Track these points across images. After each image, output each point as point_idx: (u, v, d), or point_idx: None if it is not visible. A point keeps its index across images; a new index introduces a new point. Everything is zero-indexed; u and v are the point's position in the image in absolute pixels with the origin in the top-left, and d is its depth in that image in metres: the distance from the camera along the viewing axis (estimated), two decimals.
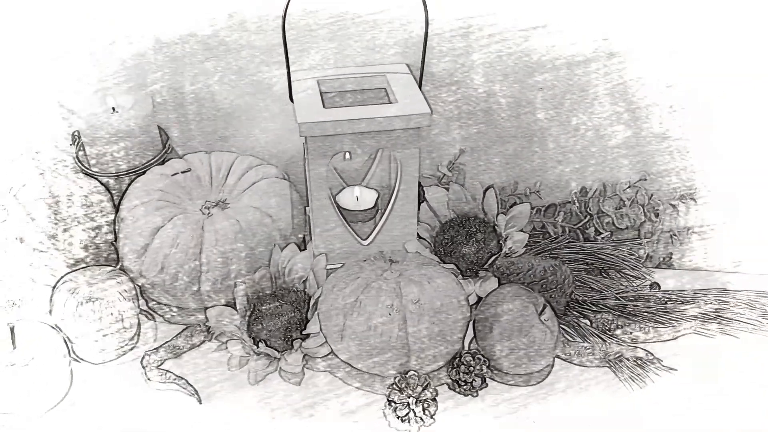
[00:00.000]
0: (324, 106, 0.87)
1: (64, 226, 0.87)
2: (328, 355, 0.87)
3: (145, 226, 0.90)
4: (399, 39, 0.95)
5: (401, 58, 0.91)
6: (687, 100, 0.95)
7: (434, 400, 0.82)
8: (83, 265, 0.92)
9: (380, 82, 0.94)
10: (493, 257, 0.93)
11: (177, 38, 0.94)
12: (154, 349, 0.89)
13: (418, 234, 0.96)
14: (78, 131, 1.05)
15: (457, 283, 0.86)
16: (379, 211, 1.00)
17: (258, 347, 0.86)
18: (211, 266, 0.89)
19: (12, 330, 0.81)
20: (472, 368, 0.84)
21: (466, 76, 0.96)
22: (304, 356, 0.85)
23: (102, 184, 0.98)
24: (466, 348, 0.88)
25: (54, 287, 0.87)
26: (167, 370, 0.86)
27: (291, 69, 0.93)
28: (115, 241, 0.96)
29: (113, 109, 1.00)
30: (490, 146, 1.01)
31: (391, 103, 0.89)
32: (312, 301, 0.87)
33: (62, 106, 0.96)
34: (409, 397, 0.80)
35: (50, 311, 0.86)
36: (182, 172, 0.97)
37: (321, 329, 0.86)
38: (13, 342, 0.81)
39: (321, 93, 0.90)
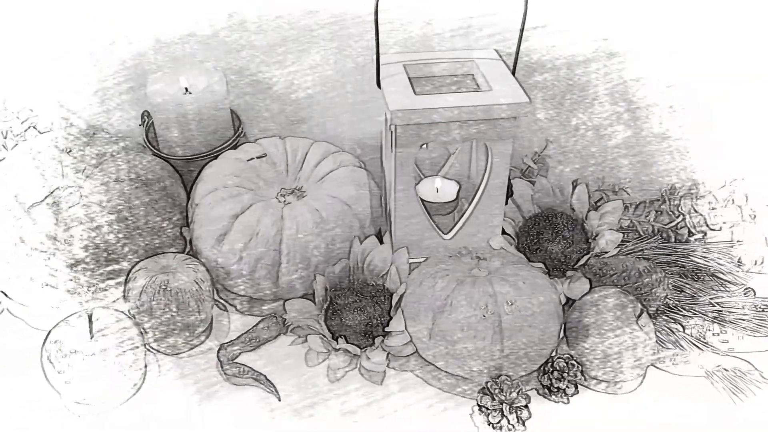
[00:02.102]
0: (415, 93, 0.82)
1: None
2: (412, 354, 0.83)
3: (223, 213, 0.86)
4: (399, 39, 0.94)
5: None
6: (687, 100, 0.94)
7: (526, 406, 0.78)
8: (156, 252, 0.89)
9: (468, 68, 0.89)
10: (584, 257, 0.89)
11: (177, 38, 0.94)
12: (230, 341, 0.85)
13: (502, 229, 0.91)
14: (147, 111, 1.02)
15: (551, 284, 0.82)
16: (460, 204, 0.96)
17: (338, 343, 0.83)
18: (290, 257, 0.86)
19: (90, 318, 0.78)
20: (565, 374, 0.80)
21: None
22: (387, 355, 0.82)
23: (172, 167, 0.95)
24: (558, 352, 0.84)
25: (128, 274, 0.84)
26: (243, 365, 0.83)
27: (292, 68, 0.94)
28: (187, 226, 0.93)
29: (186, 89, 0.96)
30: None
31: (482, 90, 0.84)
32: (395, 297, 0.83)
33: (62, 106, 0.96)
34: (501, 403, 0.77)
35: (125, 298, 0.83)
36: (258, 158, 0.93)
37: (406, 327, 0.82)
38: (91, 331, 0.77)
39: (410, 79, 0.85)
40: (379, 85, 0.85)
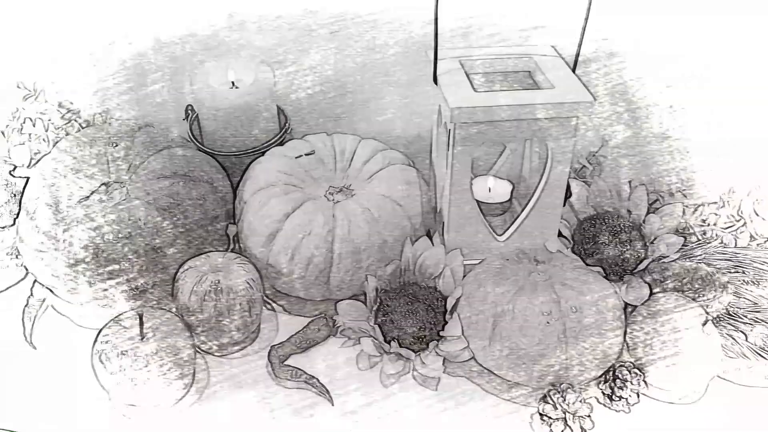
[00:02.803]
0: (474, 90, 0.80)
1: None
2: (468, 360, 0.80)
3: (274, 212, 0.84)
4: (399, 39, 0.93)
5: (401, 58, 0.89)
6: (687, 100, 0.94)
7: (589, 416, 0.75)
8: (202, 251, 0.87)
9: (525, 64, 0.87)
10: (645, 261, 0.86)
11: (177, 38, 0.93)
12: (280, 343, 0.83)
13: (558, 231, 0.89)
14: (191, 105, 1.00)
15: (615, 290, 0.79)
16: (513, 205, 0.93)
17: (390, 346, 0.81)
18: (342, 257, 0.83)
19: (141, 318, 0.76)
20: (627, 383, 0.77)
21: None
22: (444, 360, 0.79)
23: (218, 162, 0.93)
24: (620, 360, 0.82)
25: (176, 273, 0.82)
26: (296, 368, 0.81)
27: (291, 68, 0.94)
28: (233, 224, 0.91)
29: (233, 83, 0.94)
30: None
31: (543, 88, 0.81)
32: (451, 301, 0.81)
33: (62, 107, 0.96)
34: (564, 413, 0.74)
35: (174, 297, 0.81)
36: (306, 155, 0.91)
37: (463, 332, 0.79)
38: (141, 331, 0.76)
39: (467, 75, 0.83)
40: (435, 81, 0.82)
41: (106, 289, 0.83)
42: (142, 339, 0.76)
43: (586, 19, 0.80)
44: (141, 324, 0.76)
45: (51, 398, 0.79)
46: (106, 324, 0.77)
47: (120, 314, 0.77)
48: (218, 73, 0.94)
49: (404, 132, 1.01)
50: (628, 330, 0.80)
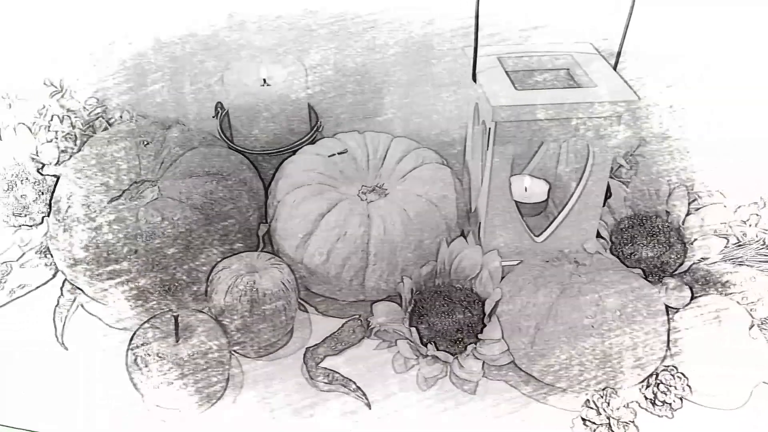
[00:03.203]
0: (516, 88, 0.78)
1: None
2: (508, 364, 0.79)
3: (309, 212, 0.83)
4: (399, 39, 0.93)
5: (401, 58, 0.89)
6: (687, 100, 0.94)
7: (633, 422, 0.74)
8: (236, 251, 0.86)
9: (563, 62, 0.85)
10: (684, 262, 0.84)
11: (177, 38, 0.93)
12: (315, 345, 0.82)
13: (597, 232, 0.87)
14: (220, 102, 0.99)
15: (658, 292, 0.78)
16: (549, 205, 0.92)
17: (427, 348, 0.79)
18: (378, 258, 0.82)
19: (176, 320, 0.75)
20: (671, 387, 0.76)
21: (467, 75, 0.93)
22: (483, 364, 0.78)
23: (250, 161, 0.92)
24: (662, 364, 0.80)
25: (210, 273, 0.81)
26: (332, 370, 0.79)
27: (292, 68, 0.92)
28: (264, 223, 0.90)
29: (264, 80, 0.93)
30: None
31: (585, 86, 0.80)
32: (490, 303, 0.80)
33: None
34: (608, 418, 0.73)
35: (208, 298, 0.80)
36: (339, 153, 0.90)
37: (503, 335, 0.78)
38: (177, 334, 0.74)
39: (507, 73, 0.81)
40: (474, 79, 0.81)
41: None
42: (177, 341, 0.74)
43: (630, 15, 0.78)
44: (176, 326, 0.75)
45: (83, 399, 0.78)
46: (141, 325, 0.76)
47: (155, 315, 0.76)
48: (250, 70, 0.93)
49: (404, 131, 1.01)
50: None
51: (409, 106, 0.93)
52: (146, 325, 0.75)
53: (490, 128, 0.78)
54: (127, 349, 0.75)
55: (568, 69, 0.85)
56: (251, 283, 0.78)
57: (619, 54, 0.81)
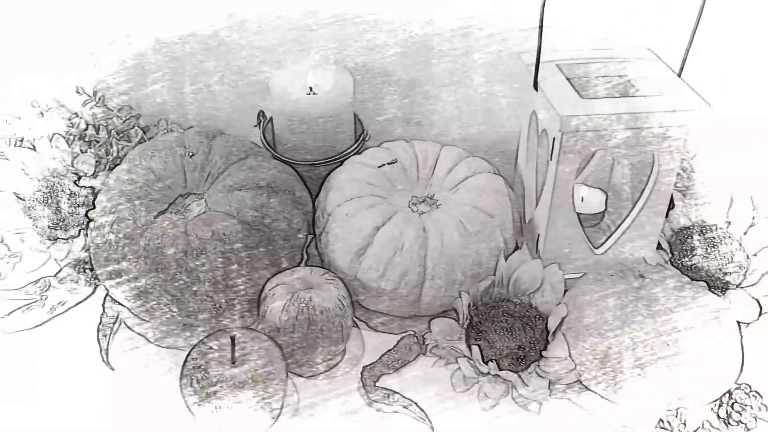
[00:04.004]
0: (581, 97, 0.75)
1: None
2: (574, 383, 0.76)
3: (363, 225, 0.80)
4: (399, 39, 0.93)
5: (401, 58, 0.89)
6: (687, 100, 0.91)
7: None
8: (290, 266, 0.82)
9: (621, 68, 0.82)
10: (752, 275, 0.82)
11: (177, 38, 0.93)
12: (371, 363, 0.79)
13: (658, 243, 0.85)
14: (262, 111, 0.96)
15: (727, 307, 0.75)
16: (606, 216, 0.89)
17: (488, 366, 0.76)
18: (436, 272, 0.79)
19: (233, 340, 0.71)
20: (745, 407, 0.73)
21: (466, 76, 0.95)
22: (549, 383, 0.75)
23: (296, 172, 0.89)
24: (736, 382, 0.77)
25: (262, 290, 0.78)
26: (394, 391, 0.77)
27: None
28: (312, 236, 0.87)
29: (310, 89, 0.90)
30: (491, 146, 0.99)
31: (648, 94, 0.77)
32: (555, 319, 0.77)
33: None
34: None
35: (262, 317, 0.77)
36: (389, 163, 0.87)
37: (570, 354, 0.75)
38: (233, 355, 0.71)
39: (569, 81, 0.79)
40: (535, 87, 0.78)
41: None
42: (233, 363, 0.71)
43: (698, 19, 0.75)
44: (233, 346, 0.72)
45: (130, 421, 0.76)
46: (195, 345, 0.73)
47: (210, 335, 0.73)
48: (296, 77, 0.90)
49: (405, 132, 1.00)
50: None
51: (408, 106, 0.91)
52: (201, 345, 0.72)
53: (554, 138, 0.75)
54: (182, 372, 0.72)
55: (626, 76, 0.82)
56: (307, 300, 0.75)
57: (684, 61, 0.78)
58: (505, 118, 0.97)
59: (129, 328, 0.84)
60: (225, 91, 0.97)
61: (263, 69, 0.96)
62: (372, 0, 0.91)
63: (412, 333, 0.82)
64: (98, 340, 0.82)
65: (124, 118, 1.00)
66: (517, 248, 0.86)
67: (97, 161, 0.94)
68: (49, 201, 0.91)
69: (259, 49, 0.94)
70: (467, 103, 0.94)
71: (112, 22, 0.92)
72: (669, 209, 0.84)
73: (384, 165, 0.87)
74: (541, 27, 0.74)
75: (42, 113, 0.98)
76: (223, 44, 0.94)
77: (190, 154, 0.83)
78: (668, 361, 0.73)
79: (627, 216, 0.81)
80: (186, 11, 0.92)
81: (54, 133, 0.93)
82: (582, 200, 0.88)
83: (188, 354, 0.72)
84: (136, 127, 0.98)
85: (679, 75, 0.79)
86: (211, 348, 0.72)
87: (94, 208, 0.91)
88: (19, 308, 0.85)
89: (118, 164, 0.95)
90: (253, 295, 0.80)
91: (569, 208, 0.79)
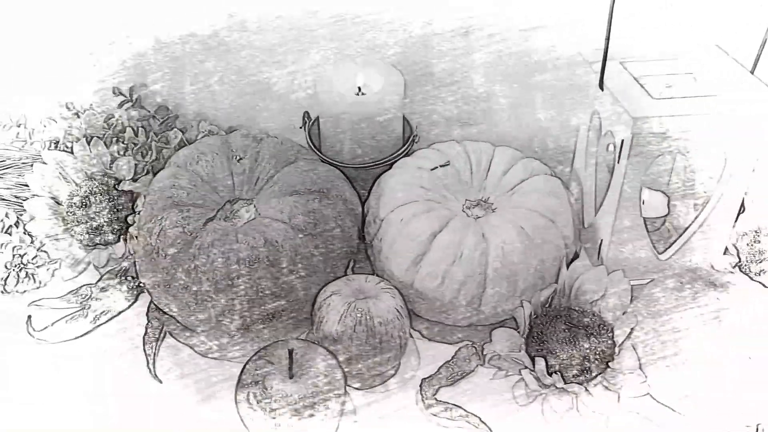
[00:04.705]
0: (652, 97, 0.72)
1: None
2: (645, 395, 0.73)
3: (421, 231, 0.76)
4: (399, 39, 0.93)
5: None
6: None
7: None
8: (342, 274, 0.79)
9: (687, 65, 0.79)
10: None
11: (177, 38, 0.92)
12: (430, 376, 0.76)
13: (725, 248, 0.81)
14: (307, 112, 0.93)
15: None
16: (667, 220, 0.86)
17: (552, 378, 0.73)
18: (497, 281, 0.76)
19: (290, 353, 0.68)
20: None
21: (466, 76, 0.95)
22: (618, 396, 0.72)
23: (345, 175, 0.85)
24: None
25: (315, 298, 0.75)
26: (454, 404, 0.74)
27: (292, 68, 0.93)
28: (362, 241, 0.84)
29: (359, 89, 0.87)
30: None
31: (719, 93, 0.74)
32: (624, 329, 0.74)
33: (62, 106, 0.93)
34: None
35: (315, 326, 0.74)
36: (441, 166, 0.84)
37: (641, 366, 0.72)
38: (291, 368, 0.68)
39: (637, 80, 0.75)
40: (601, 87, 0.75)
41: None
42: (291, 377, 0.68)
43: None
44: (291, 360, 0.69)
45: (131, 421, 0.75)
46: (251, 358, 0.70)
47: (266, 347, 0.70)
48: (345, 77, 0.87)
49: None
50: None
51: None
52: (257, 358, 0.69)
53: (623, 140, 0.72)
54: (238, 384, 0.69)
55: (692, 73, 0.79)
56: (366, 311, 0.72)
57: (758, 57, 0.75)
58: (506, 118, 0.96)
59: (175, 338, 0.81)
60: (225, 91, 0.96)
61: (263, 69, 0.95)
62: (372, 0, 0.91)
63: (471, 343, 0.79)
64: (144, 350, 0.79)
65: (161, 119, 0.97)
66: (576, 255, 0.83)
67: (136, 164, 0.91)
68: (87, 206, 0.88)
69: (259, 49, 0.94)
70: (467, 103, 0.92)
71: (112, 22, 0.92)
72: (739, 213, 0.81)
73: (437, 167, 0.83)
74: (610, 23, 0.70)
75: (78, 114, 0.96)
76: (223, 44, 0.94)
77: (238, 158, 0.80)
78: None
79: (694, 220, 0.78)
80: (186, 11, 0.92)
81: (93, 136, 0.90)
82: (643, 203, 0.84)
83: (244, 366, 0.69)
84: (175, 129, 0.95)
85: (752, 72, 0.75)
86: (268, 362, 0.69)
87: (134, 213, 0.89)
88: (63, 318, 0.82)
89: (157, 168, 0.93)
90: (305, 304, 0.77)
91: (635, 213, 0.76)
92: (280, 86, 0.96)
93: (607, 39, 0.71)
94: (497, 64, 0.93)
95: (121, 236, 0.89)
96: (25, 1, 0.91)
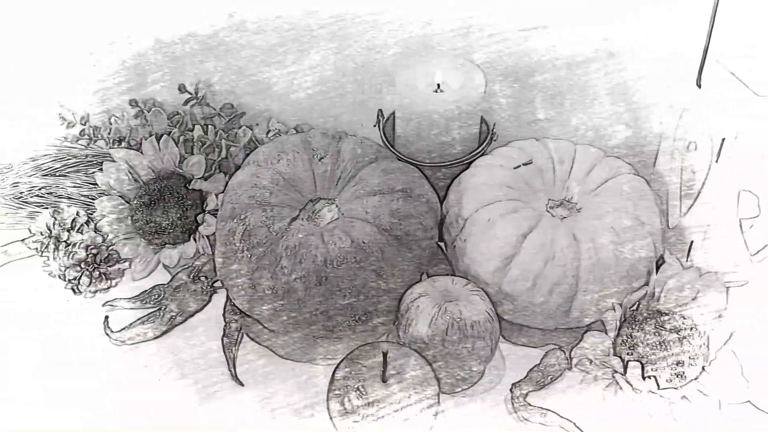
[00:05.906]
0: (756, 95, 0.70)
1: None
2: (745, 402, 0.71)
3: (510, 232, 0.75)
4: (399, 39, 0.93)
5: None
6: (687, 100, 0.90)
7: None
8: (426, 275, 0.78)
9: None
10: None
11: (177, 38, 0.93)
12: (520, 380, 0.74)
13: None
14: (381, 110, 0.91)
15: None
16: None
17: (646, 383, 0.71)
18: (588, 283, 0.74)
19: (385, 356, 0.67)
20: None
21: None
22: (720, 403, 0.70)
23: (424, 174, 0.84)
24: None
25: (400, 300, 0.74)
26: (547, 409, 0.72)
27: (292, 68, 0.93)
28: (439, 242, 0.82)
29: (438, 86, 0.85)
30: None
31: None
32: (722, 333, 0.72)
33: (62, 106, 0.93)
34: None
35: (403, 328, 0.72)
36: (524, 164, 0.82)
37: (742, 372, 0.70)
38: (385, 372, 0.67)
39: (737, 78, 0.73)
40: (699, 84, 0.73)
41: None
42: (384, 381, 0.67)
43: None
44: (385, 363, 0.67)
45: (131, 421, 0.75)
46: (342, 360, 0.68)
47: (358, 348, 0.69)
48: (424, 74, 0.85)
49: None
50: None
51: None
52: (351, 362, 0.68)
53: (723, 139, 0.70)
54: (330, 387, 0.67)
55: None
56: (458, 314, 0.70)
57: None
58: (506, 118, 0.95)
59: (254, 340, 0.80)
60: (225, 91, 0.96)
61: (263, 69, 0.95)
62: (372, 0, 0.91)
63: (558, 347, 0.77)
64: (224, 352, 0.78)
65: (227, 117, 0.95)
66: (662, 256, 0.81)
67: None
68: (156, 205, 0.86)
69: (259, 49, 0.94)
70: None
71: (112, 22, 0.92)
72: None
73: (520, 166, 0.82)
74: (713, 18, 0.68)
75: (143, 112, 0.95)
76: (223, 44, 0.94)
77: (320, 157, 0.78)
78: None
79: None
80: (186, 11, 0.92)
81: (162, 134, 0.89)
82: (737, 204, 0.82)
83: (336, 368, 0.68)
84: (243, 127, 0.93)
85: None
86: (361, 365, 0.67)
87: (203, 212, 0.87)
88: (139, 319, 0.81)
89: (225, 166, 0.91)
90: (392, 305, 0.75)
91: (731, 213, 0.74)
92: (280, 86, 0.96)
93: (709, 34, 0.69)
94: (497, 64, 0.93)
95: (191, 236, 0.88)
96: (25, 1, 0.91)
